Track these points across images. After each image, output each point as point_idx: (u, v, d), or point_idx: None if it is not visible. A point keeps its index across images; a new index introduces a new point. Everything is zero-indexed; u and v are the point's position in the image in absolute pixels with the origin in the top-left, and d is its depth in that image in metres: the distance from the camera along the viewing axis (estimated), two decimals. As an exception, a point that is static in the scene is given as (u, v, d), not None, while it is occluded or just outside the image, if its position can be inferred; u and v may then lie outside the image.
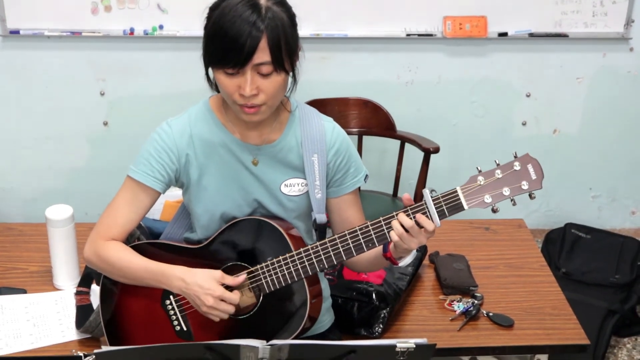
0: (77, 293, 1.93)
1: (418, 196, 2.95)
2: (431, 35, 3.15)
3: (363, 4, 3.10)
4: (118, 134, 3.28)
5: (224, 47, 1.54)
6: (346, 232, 1.62)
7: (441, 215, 1.55)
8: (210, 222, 1.75)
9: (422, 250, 2.18)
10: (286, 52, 1.57)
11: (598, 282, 3.05)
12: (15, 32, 3.06)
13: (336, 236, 1.63)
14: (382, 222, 1.59)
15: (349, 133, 3.07)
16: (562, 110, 3.38)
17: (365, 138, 3.08)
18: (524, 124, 3.39)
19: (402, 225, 1.56)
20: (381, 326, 1.94)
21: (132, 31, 3.07)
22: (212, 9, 1.59)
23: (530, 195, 1.55)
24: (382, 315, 1.95)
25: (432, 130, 3.19)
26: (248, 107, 1.60)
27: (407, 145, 3.02)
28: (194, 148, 1.70)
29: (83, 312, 1.88)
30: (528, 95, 3.34)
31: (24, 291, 2.05)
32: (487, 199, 1.54)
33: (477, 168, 1.57)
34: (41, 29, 3.06)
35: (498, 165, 1.55)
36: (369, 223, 1.61)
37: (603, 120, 3.41)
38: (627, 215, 3.63)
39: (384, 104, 3.03)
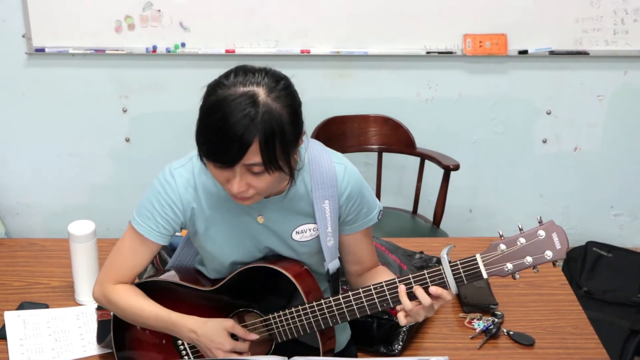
0: (98, 308, 1.93)
1: (437, 215, 2.95)
2: (451, 52, 3.15)
3: (383, 22, 3.11)
4: (140, 150, 3.31)
5: (213, 144, 1.44)
6: (360, 290, 1.60)
7: (459, 282, 1.52)
8: (221, 267, 1.72)
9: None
10: (281, 151, 1.45)
11: (620, 301, 3.02)
12: (40, 50, 3.11)
13: (350, 293, 1.60)
14: (398, 285, 1.56)
15: (368, 150, 3.13)
16: (583, 128, 3.36)
17: (385, 155, 3.08)
18: (544, 141, 3.37)
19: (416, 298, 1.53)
20: (401, 344, 1.93)
21: (154, 49, 3.11)
22: (209, 93, 1.49)
23: (553, 264, 1.50)
24: (402, 332, 1.94)
25: (452, 147, 3.19)
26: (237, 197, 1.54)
27: (427, 162, 3.02)
28: (200, 201, 1.64)
29: (104, 327, 1.89)
30: (549, 113, 3.32)
31: (47, 306, 2.07)
32: (508, 267, 1.49)
33: (499, 233, 1.51)
34: (66, 47, 3.11)
35: (521, 231, 1.49)
36: (384, 283, 1.58)
37: (624, 138, 3.39)
38: (649, 234, 3.60)
39: (404, 121, 3.03)
